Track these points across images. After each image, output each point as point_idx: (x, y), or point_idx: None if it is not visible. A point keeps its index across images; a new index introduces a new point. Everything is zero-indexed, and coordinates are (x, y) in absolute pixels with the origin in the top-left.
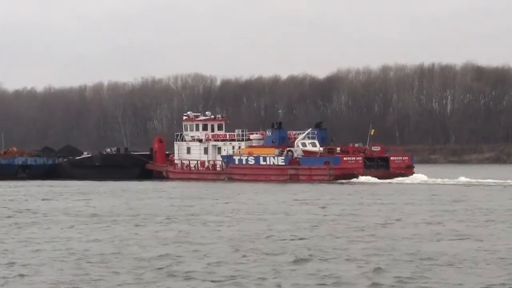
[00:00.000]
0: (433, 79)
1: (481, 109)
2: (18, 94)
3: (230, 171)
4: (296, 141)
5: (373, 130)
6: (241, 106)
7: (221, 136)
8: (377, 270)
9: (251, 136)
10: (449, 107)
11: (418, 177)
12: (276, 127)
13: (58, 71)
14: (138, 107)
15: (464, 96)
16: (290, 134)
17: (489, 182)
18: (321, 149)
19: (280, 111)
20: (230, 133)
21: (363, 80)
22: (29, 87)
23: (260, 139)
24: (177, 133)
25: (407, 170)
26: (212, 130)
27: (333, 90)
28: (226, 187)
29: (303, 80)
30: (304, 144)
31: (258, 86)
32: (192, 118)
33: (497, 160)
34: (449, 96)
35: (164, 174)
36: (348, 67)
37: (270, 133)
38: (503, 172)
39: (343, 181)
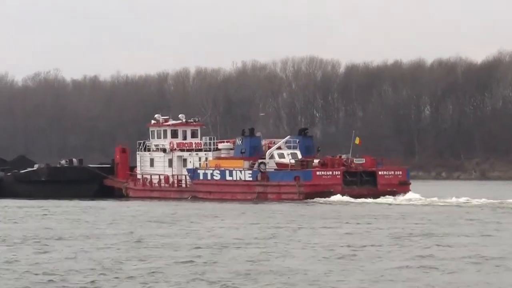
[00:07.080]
0: None
1: None
2: (77, 85)
3: (194, 188)
4: (268, 151)
5: (358, 139)
6: (371, 100)
7: (186, 145)
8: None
9: (220, 145)
10: None
11: (413, 196)
12: (247, 133)
13: (129, 54)
14: (234, 101)
15: None
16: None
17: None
18: (293, 161)
19: (427, 107)
20: (197, 142)
21: None
22: (91, 75)
23: (230, 149)
24: (140, 141)
25: (401, 188)
26: (184, 138)
27: (491, 79)
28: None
29: (453, 66)
30: (281, 155)
31: (395, 73)
32: (161, 123)
33: None
34: None
35: (124, 191)
36: None
37: (240, 142)
38: None
39: (315, 200)
